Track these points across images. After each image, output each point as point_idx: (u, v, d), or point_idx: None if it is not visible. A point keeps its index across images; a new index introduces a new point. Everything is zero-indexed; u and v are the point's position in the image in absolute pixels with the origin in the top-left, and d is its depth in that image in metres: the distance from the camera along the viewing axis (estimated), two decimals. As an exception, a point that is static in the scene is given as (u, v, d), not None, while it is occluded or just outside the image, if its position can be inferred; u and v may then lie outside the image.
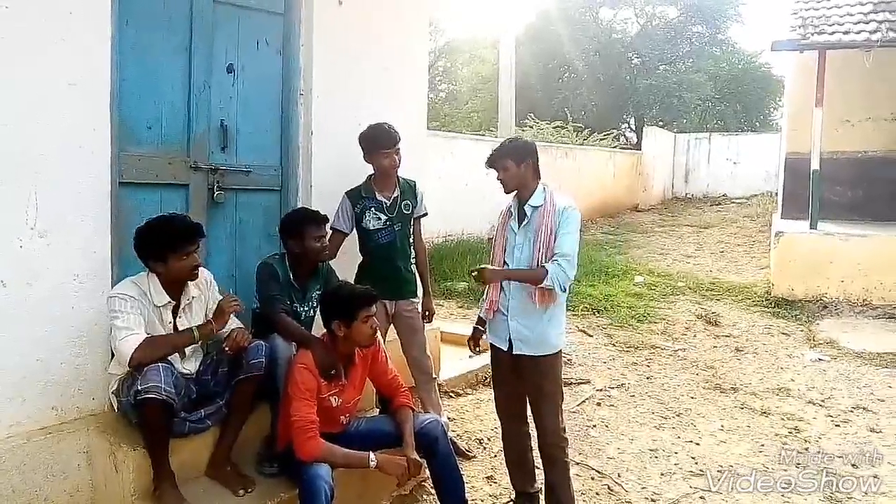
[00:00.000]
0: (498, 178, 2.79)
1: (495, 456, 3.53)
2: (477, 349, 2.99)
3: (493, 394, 3.03)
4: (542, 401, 2.77)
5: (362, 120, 3.42)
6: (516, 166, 2.72)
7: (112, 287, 2.62)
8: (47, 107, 2.48)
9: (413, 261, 3.50)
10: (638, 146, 17.39)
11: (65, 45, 2.51)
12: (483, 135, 14.41)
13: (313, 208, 3.21)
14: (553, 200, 2.72)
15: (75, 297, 2.59)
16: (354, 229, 3.38)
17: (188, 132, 3.07)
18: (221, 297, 2.72)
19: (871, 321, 6.68)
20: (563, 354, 2.92)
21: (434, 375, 3.61)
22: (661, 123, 20.26)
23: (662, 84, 20.63)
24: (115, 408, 2.55)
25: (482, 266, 2.77)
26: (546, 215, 2.69)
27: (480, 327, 2.96)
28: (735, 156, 16.70)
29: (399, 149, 3.31)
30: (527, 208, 2.75)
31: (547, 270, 2.60)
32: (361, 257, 3.43)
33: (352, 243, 3.42)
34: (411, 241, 3.49)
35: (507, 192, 2.83)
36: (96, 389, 2.67)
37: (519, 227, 2.76)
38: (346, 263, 3.36)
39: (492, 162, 2.79)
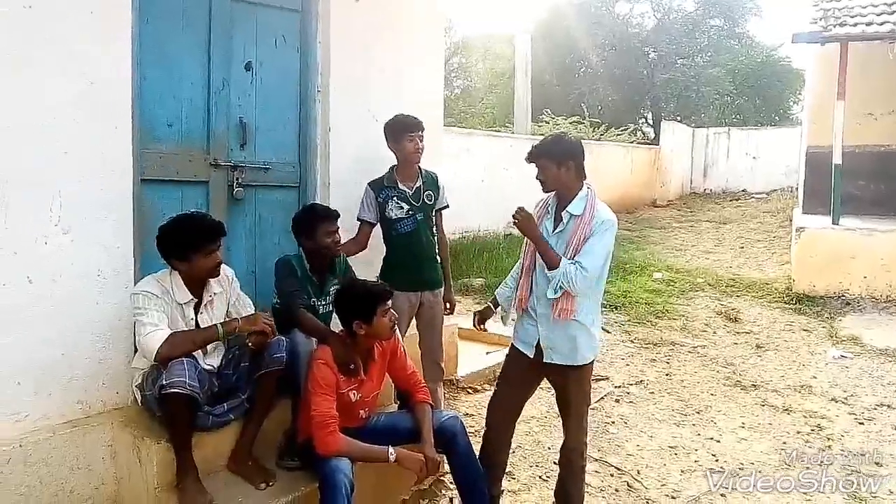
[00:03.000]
0: (537, 177, 2.63)
1: (513, 452, 3.52)
2: (482, 327, 2.91)
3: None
4: (569, 409, 2.72)
5: (379, 116, 3.43)
6: (556, 168, 2.55)
7: (135, 283, 2.65)
8: (69, 105, 2.51)
9: (437, 252, 3.51)
10: (655, 141, 17.22)
11: (86, 44, 2.54)
12: (499, 131, 14.38)
13: (327, 204, 3.22)
14: (593, 211, 2.54)
15: (99, 293, 2.63)
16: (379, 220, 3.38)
17: (208, 129, 3.10)
18: (253, 311, 2.75)
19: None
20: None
21: (441, 364, 3.55)
22: (678, 118, 20.03)
23: (680, 78, 20.45)
24: (139, 401, 2.58)
25: (527, 212, 2.58)
26: (582, 226, 2.52)
27: (493, 308, 2.88)
28: (754, 150, 16.49)
29: (423, 135, 3.32)
30: (564, 214, 2.58)
31: (562, 264, 2.47)
32: (385, 250, 3.44)
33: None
34: (434, 232, 3.50)
35: (546, 192, 2.68)
36: (120, 383, 2.71)
37: (553, 230, 2.61)
38: (359, 259, 3.36)
39: (531, 158, 2.62)
